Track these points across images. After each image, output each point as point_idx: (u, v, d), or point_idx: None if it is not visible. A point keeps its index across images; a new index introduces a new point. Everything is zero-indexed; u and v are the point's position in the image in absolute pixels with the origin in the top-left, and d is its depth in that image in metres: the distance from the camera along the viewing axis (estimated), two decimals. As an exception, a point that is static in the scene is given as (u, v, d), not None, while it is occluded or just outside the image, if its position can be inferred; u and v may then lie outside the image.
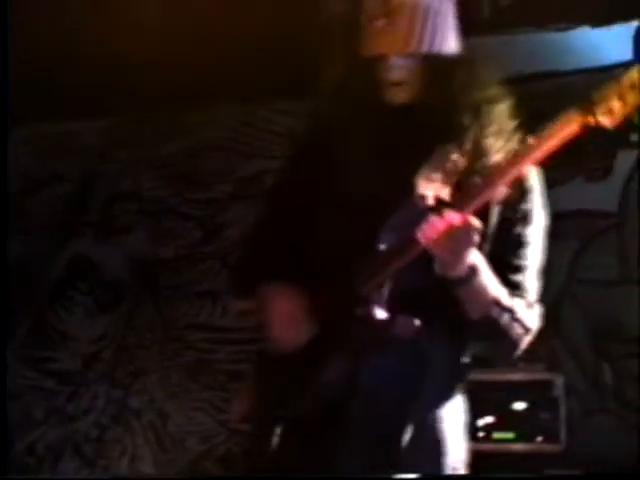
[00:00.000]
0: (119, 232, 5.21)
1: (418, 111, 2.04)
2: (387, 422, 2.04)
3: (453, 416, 2.14)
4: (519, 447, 3.89)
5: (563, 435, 3.86)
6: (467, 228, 1.91)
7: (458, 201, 1.96)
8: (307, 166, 2.19)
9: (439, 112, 2.04)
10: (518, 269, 2.09)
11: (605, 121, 1.91)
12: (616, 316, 4.33)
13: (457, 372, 2.16)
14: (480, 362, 4.11)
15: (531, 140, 1.95)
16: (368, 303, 2.00)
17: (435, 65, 2.03)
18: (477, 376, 3.96)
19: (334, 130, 2.11)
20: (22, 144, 5.18)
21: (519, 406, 3.95)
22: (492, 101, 2.07)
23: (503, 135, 2.06)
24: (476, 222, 1.93)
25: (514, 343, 2.08)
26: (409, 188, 2.01)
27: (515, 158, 1.94)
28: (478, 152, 2.05)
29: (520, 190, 2.06)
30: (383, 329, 2.00)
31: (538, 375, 4.03)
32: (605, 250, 4.45)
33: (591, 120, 1.91)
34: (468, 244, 1.93)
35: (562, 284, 4.49)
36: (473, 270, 1.98)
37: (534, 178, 2.10)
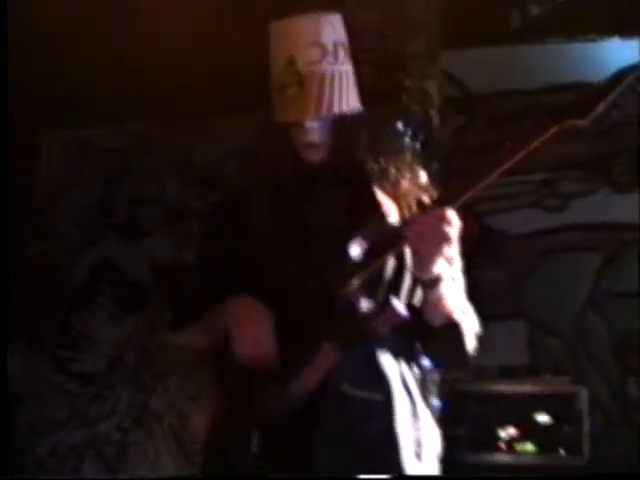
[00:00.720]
0: (143, 235, 5.26)
1: (334, 166, 2.21)
2: (361, 420, 2.11)
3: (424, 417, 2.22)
4: (541, 460, 3.89)
5: (586, 449, 3.87)
6: (451, 222, 2.03)
7: (442, 200, 2.09)
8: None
9: (352, 165, 2.23)
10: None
11: (580, 122, 2.00)
12: (642, 329, 4.34)
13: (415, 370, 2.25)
14: (503, 372, 4.24)
15: (511, 145, 2.05)
16: (347, 299, 2.08)
17: (344, 125, 2.20)
18: (500, 387, 4.10)
19: (258, 188, 2.28)
20: (48, 149, 5.23)
21: (542, 418, 3.96)
22: (397, 151, 2.30)
23: (410, 172, 2.28)
24: (457, 219, 2.05)
25: (467, 350, 2.20)
26: (350, 225, 2.14)
27: (498, 161, 2.04)
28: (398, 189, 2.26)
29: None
30: (366, 319, 2.07)
31: (562, 387, 4.04)
32: (631, 262, 4.46)
33: (568, 124, 2.00)
34: (450, 239, 2.04)
35: (587, 296, 4.52)
36: (444, 273, 2.11)
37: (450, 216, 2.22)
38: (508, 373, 4.28)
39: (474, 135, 4.83)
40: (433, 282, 2.11)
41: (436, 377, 3.74)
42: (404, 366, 2.20)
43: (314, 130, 2.19)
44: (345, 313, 2.08)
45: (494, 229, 4.74)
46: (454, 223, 2.04)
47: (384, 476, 2.08)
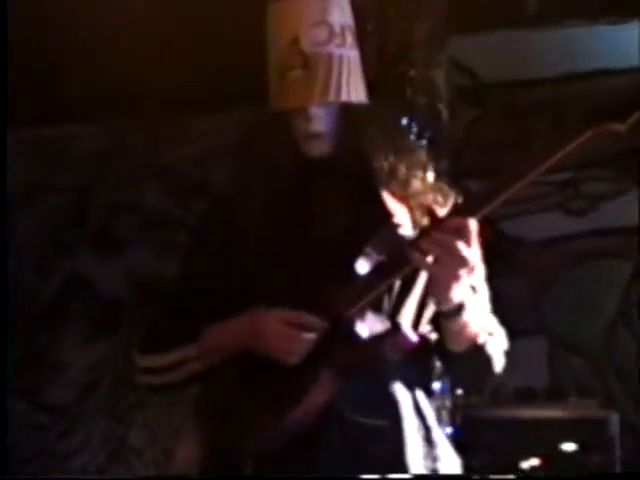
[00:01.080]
0: (119, 247, 5.25)
1: (338, 161, 2.19)
2: (367, 447, 2.10)
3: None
4: (568, 493, 3.90)
5: (618, 480, 3.86)
6: (471, 238, 1.98)
7: (461, 210, 2.04)
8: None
9: (358, 160, 2.21)
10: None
11: (618, 127, 1.98)
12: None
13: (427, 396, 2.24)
14: (522, 395, 4.25)
15: (543, 148, 2.03)
16: (351, 321, 2.06)
17: (351, 115, 2.20)
18: (519, 412, 4.10)
19: (249, 186, 2.27)
20: (15, 150, 5.20)
21: (568, 447, 3.94)
22: (409, 148, 2.32)
23: (423, 171, 2.27)
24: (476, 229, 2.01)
25: (493, 373, 2.20)
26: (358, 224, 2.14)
27: (527, 166, 2.01)
28: (407, 188, 2.24)
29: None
30: (371, 345, 2.06)
31: (590, 412, 4.03)
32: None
33: (604, 128, 1.98)
34: (472, 260, 2.00)
35: (616, 309, 4.53)
36: (467, 298, 2.07)
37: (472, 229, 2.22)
38: (527, 396, 4.28)
39: (487, 129, 4.84)
40: (454, 311, 2.07)
41: (447, 402, 3.76)
42: (417, 391, 2.18)
43: (319, 118, 2.18)
44: (348, 337, 2.07)
45: (510, 235, 4.76)
46: (474, 237, 2.00)
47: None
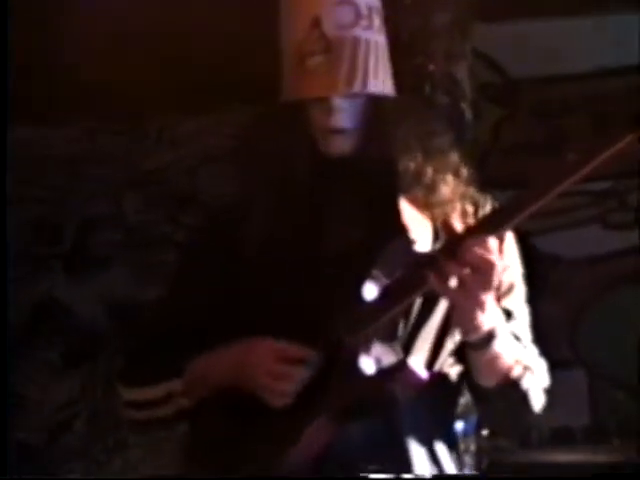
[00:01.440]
0: (95, 267, 5.21)
1: (361, 163, 2.17)
2: None
3: None
4: None
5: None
6: (501, 256, 1.98)
7: (489, 223, 2.03)
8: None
9: (384, 162, 2.18)
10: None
11: None
12: None
13: (447, 442, 2.22)
14: (558, 437, 4.25)
15: (578, 154, 2.01)
16: (353, 354, 2.04)
17: (380, 110, 2.18)
18: (554, 456, 4.14)
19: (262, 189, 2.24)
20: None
21: (611, 496, 3.95)
22: (440, 149, 2.26)
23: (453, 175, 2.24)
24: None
25: (531, 413, 2.19)
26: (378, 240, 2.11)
27: (560, 174, 1.99)
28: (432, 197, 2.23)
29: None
30: (375, 383, 2.03)
31: (634, 456, 4.00)
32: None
33: None
34: (501, 282, 2.04)
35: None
36: (498, 326, 2.06)
37: (512, 245, 2.23)
38: (564, 438, 4.36)
39: (516, 131, 4.84)
40: (483, 342, 2.05)
41: (471, 444, 3.77)
42: (435, 435, 2.17)
43: (342, 111, 2.15)
44: (349, 371, 2.04)
45: (544, 252, 4.75)
46: (504, 254, 1.99)
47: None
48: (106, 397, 4.98)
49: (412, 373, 2.00)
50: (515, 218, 1.98)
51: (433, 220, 2.20)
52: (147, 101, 4.82)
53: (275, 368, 2.06)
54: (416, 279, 2.01)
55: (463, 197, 2.22)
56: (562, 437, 4.30)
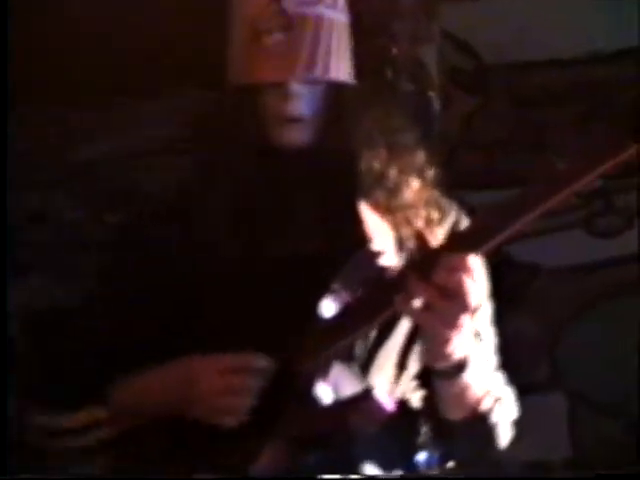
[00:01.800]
0: (14, 274, 5.00)
1: (318, 157, 2.19)
2: None
3: None
4: None
5: None
6: (475, 278, 1.97)
7: (462, 241, 2.01)
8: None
9: (344, 158, 2.21)
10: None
11: None
12: None
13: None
14: (534, 470, 4.20)
15: (569, 164, 2.00)
16: (309, 380, 2.04)
17: (341, 97, 2.21)
18: None
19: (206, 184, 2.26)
20: None
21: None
22: (406, 146, 2.32)
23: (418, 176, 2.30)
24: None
25: (497, 447, 2.28)
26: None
27: (551, 186, 1.98)
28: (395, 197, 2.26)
29: None
30: (334, 413, 2.04)
31: None
32: None
33: None
34: (475, 307, 2.02)
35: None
36: (470, 355, 2.09)
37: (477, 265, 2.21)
38: (541, 471, 4.33)
39: (489, 123, 4.81)
40: (452, 372, 2.09)
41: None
42: (395, 466, 2.22)
43: (300, 97, 2.17)
44: (304, 400, 2.05)
45: (520, 260, 4.73)
46: (478, 276, 1.98)
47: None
48: (22, 423, 4.99)
49: (376, 404, 2.00)
50: (501, 234, 1.95)
51: (395, 227, 2.21)
52: (77, 86, 4.82)
53: (223, 382, 2.05)
54: (381, 300, 2.01)
55: (428, 202, 2.24)
56: (538, 471, 4.32)
